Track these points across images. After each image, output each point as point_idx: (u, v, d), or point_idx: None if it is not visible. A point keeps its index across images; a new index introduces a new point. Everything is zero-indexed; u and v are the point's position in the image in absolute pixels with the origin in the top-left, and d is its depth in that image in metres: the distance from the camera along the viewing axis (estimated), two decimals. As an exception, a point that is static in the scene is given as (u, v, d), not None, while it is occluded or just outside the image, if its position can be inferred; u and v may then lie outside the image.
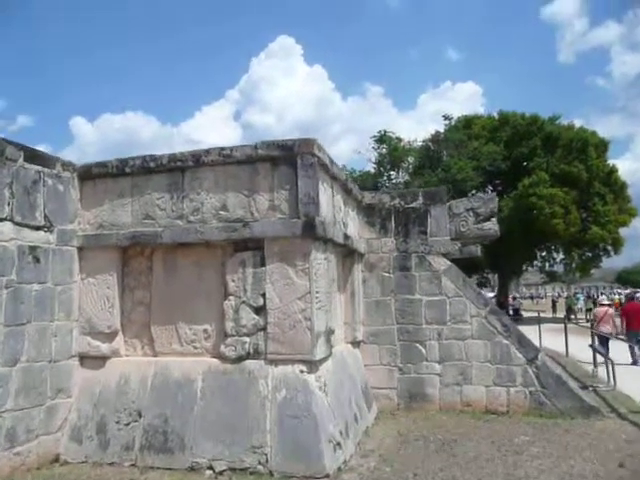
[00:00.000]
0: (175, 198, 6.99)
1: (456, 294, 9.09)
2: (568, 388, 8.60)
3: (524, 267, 38.70)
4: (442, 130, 35.36)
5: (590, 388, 10.50)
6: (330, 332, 7.07)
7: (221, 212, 6.82)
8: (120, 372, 7.02)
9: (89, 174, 7.29)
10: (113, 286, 7.15)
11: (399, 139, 34.82)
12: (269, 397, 6.33)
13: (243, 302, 6.64)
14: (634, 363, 13.58)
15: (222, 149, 6.79)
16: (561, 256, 35.86)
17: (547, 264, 37.89)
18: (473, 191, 36.84)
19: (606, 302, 16.34)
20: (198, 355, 6.91)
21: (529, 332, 19.31)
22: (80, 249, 7.21)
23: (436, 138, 34.42)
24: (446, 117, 34.98)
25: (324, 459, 5.92)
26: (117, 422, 6.74)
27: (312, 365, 6.44)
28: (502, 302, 34.03)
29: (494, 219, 9.38)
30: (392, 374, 9.20)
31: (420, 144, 35.12)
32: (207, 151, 6.85)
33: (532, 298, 66.74)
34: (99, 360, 7.13)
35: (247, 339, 6.60)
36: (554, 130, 32.70)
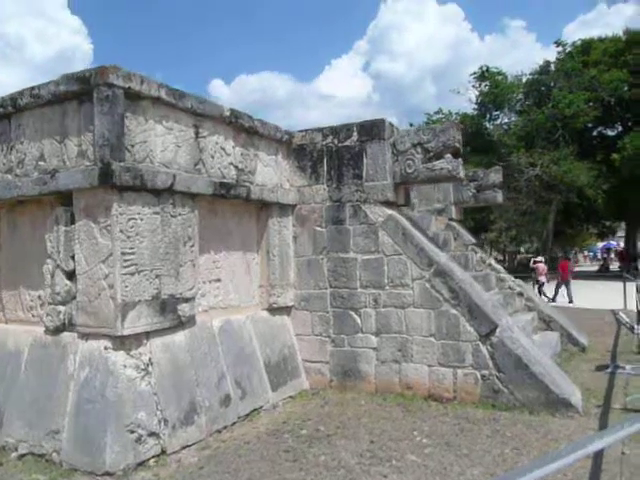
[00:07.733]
0: (5, 150, 6.22)
1: (395, 252, 7.32)
2: (531, 373, 6.55)
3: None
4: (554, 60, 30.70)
5: (609, 368, 8.12)
6: (175, 301, 5.91)
7: (40, 163, 5.90)
8: (-28, 340, 6.59)
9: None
10: (-35, 248, 6.67)
11: (503, 74, 30.94)
12: (74, 376, 5.45)
13: (58, 266, 5.75)
14: (570, 302, 17.87)
15: (32, 89, 5.81)
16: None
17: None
18: (597, 129, 32.08)
19: (540, 259, 20.33)
20: (35, 324, 6.20)
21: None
22: (-59, 210, 6.81)
23: (545, 69, 30.00)
24: (559, 43, 30.18)
25: (105, 454, 4.94)
26: (-39, 393, 6.35)
27: (121, 341, 5.39)
28: (624, 255, 29.29)
29: (449, 156, 7.27)
30: (324, 346, 7.78)
31: (528, 78, 30.93)
32: (21, 93, 5.91)
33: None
34: (-39, 326, 6.77)
35: (62, 308, 5.71)
36: (696, 46, 26.69)
